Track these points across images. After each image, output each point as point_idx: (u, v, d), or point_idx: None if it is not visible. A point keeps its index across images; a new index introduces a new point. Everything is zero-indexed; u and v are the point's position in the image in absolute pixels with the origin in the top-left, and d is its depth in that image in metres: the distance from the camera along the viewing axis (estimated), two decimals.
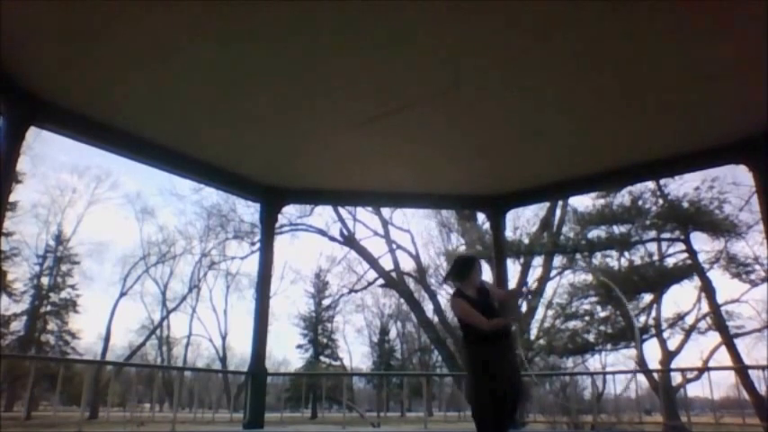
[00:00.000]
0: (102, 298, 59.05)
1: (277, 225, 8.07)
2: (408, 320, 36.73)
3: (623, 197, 16.30)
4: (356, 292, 27.53)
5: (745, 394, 12.59)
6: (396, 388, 30.85)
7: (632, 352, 16.95)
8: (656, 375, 15.61)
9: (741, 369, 12.77)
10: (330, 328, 37.94)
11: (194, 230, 32.18)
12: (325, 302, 36.81)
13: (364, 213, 20.80)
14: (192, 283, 34.30)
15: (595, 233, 16.81)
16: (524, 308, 17.86)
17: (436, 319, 20.29)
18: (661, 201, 16.29)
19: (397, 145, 5.81)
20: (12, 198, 22.50)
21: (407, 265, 21.70)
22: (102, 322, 34.95)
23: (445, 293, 21.20)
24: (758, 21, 3.74)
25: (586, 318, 17.01)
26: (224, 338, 36.28)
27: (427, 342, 31.09)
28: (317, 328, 37.44)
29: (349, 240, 20.46)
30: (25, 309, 28.85)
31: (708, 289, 15.98)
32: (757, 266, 15.66)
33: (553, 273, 18.30)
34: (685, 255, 16.51)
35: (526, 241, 17.28)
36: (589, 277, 17.24)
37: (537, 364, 18.00)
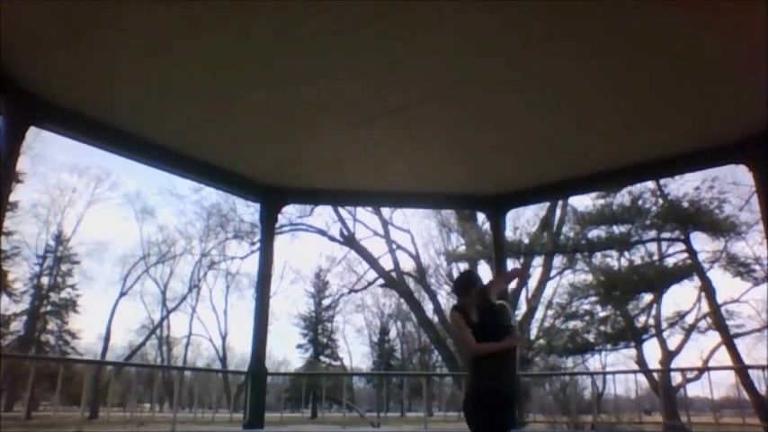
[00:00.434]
0: (102, 298, 58.97)
1: (277, 225, 8.06)
2: (408, 320, 36.74)
3: (623, 197, 16.31)
4: (356, 291, 27.56)
5: (744, 394, 12.59)
6: (396, 388, 30.86)
7: (632, 352, 16.97)
8: (655, 375, 15.62)
9: (741, 369, 12.77)
10: (330, 327, 37.95)
11: (194, 230, 32.18)
12: (326, 302, 36.82)
13: (364, 213, 20.81)
14: (191, 282, 34.31)
15: (595, 233, 16.82)
16: (523, 307, 17.86)
17: (436, 318, 20.30)
18: (661, 201, 16.30)
19: (397, 145, 5.81)
20: (12, 198, 22.51)
21: (407, 265, 21.72)
22: (102, 322, 34.93)
23: (445, 293, 21.21)
24: (758, 20, 3.74)
25: (586, 318, 17.02)
26: (224, 338, 36.29)
27: (427, 342, 31.10)
28: (317, 328, 37.45)
29: (349, 240, 20.47)
30: (25, 309, 28.86)
31: (708, 289, 15.99)
32: (757, 266, 15.68)
33: (553, 273, 18.32)
34: (685, 255, 16.52)
35: (526, 241, 17.28)
36: (589, 277, 17.25)
37: (537, 364, 18.01)
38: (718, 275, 16.50)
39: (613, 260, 17.02)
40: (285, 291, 40.60)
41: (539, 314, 18.17)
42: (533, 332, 18.14)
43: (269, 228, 7.16)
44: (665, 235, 16.73)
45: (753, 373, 12.85)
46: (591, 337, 16.69)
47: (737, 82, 4.54)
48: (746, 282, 15.93)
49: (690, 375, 13.50)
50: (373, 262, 20.48)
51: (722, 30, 3.90)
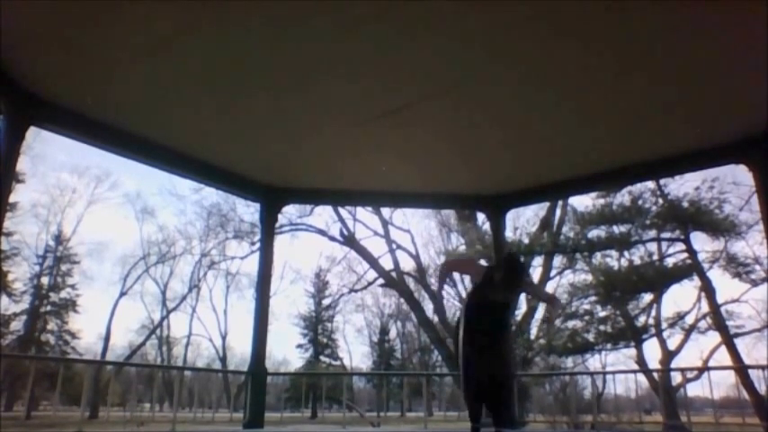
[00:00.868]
0: (102, 298, 58.95)
1: (277, 225, 8.06)
2: (408, 320, 36.76)
3: (623, 197, 16.32)
4: (356, 291, 27.56)
5: (744, 394, 12.59)
6: (396, 388, 30.87)
7: (632, 352, 16.97)
8: (655, 375, 15.62)
9: (741, 369, 12.78)
10: (330, 327, 37.97)
11: (194, 230, 32.20)
12: (326, 302, 36.84)
13: (364, 213, 20.81)
14: (191, 282, 34.33)
15: (595, 233, 16.82)
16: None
17: (436, 318, 20.30)
18: (661, 200, 16.30)
19: (397, 145, 5.81)
20: (12, 198, 22.51)
21: (407, 264, 21.72)
22: (102, 322, 34.91)
23: (445, 293, 21.21)
24: (758, 20, 3.74)
25: (586, 317, 17.01)
26: (224, 338, 36.31)
27: (427, 342, 31.10)
28: (317, 328, 37.47)
29: (349, 240, 20.46)
30: (25, 308, 28.87)
31: (708, 289, 15.99)
32: (757, 266, 15.68)
33: (553, 273, 18.32)
34: (685, 255, 16.52)
35: (526, 241, 17.28)
36: (589, 277, 17.25)
37: (537, 364, 18.01)
38: (717, 275, 16.50)
39: (613, 260, 17.03)
40: (285, 291, 40.64)
41: (539, 314, 18.17)
42: (533, 332, 18.14)
43: (269, 228, 7.16)
44: (665, 235, 16.74)
45: (753, 373, 12.87)
46: (591, 337, 16.69)
47: (737, 82, 4.54)
48: (746, 283, 15.94)
49: (690, 375, 13.51)
50: (373, 262, 20.48)
51: (722, 29, 3.90)
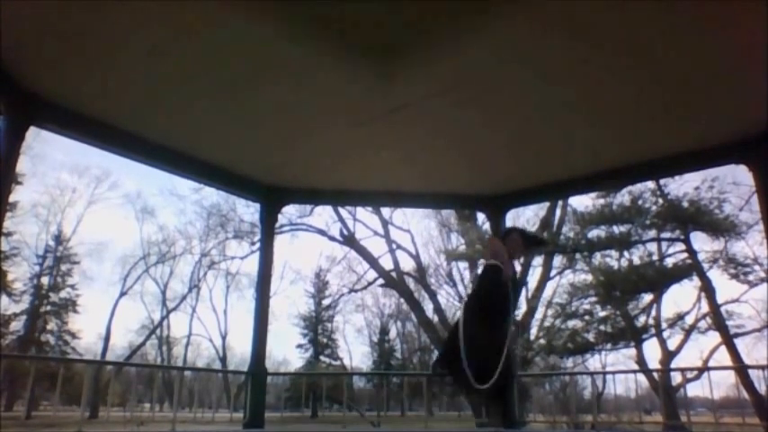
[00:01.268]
0: (102, 298, 59.01)
1: (277, 225, 8.06)
2: (408, 320, 36.79)
3: (623, 197, 16.33)
4: (356, 291, 27.57)
5: (744, 394, 12.59)
6: (396, 387, 30.87)
7: (632, 352, 16.98)
8: (655, 375, 15.63)
9: (741, 369, 12.78)
10: (330, 327, 38.01)
11: (194, 230, 32.23)
12: (326, 302, 36.86)
13: (364, 213, 20.81)
14: (191, 282, 34.38)
15: (595, 233, 16.83)
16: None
17: (436, 318, 20.30)
18: (661, 200, 16.31)
19: (397, 144, 5.81)
20: (12, 198, 22.50)
21: (407, 264, 21.71)
22: (102, 322, 34.95)
23: (445, 293, 21.23)
24: (758, 20, 3.74)
25: (586, 317, 17.03)
26: (224, 338, 36.35)
27: (427, 342, 31.11)
28: (317, 328, 37.50)
29: (349, 240, 20.46)
30: (25, 308, 28.88)
31: (708, 289, 16.00)
32: (756, 267, 15.69)
33: (553, 272, 18.32)
34: (685, 255, 16.53)
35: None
36: (589, 277, 17.26)
37: (537, 364, 18.02)
38: (717, 275, 16.50)
39: (613, 260, 17.04)
40: (285, 291, 40.70)
41: (539, 314, 18.18)
42: (533, 332, 18.15)
43: (269, 228, 7.16)
44: (665, 235, 16.76)
45: (753, 373, 12.88)
46: (591, 337, 16.71)
47: (737, 82, 4.54)
48: (744, 284, 15.95)
49: (690, 375, 13.51)
50: (373, 262, 20.47)
51: (722, 29, 3.90)
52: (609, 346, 16.77)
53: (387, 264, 20.75)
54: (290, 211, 20.32)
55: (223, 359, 35.75)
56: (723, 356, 16.20)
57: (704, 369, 11.41)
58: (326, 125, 5.38)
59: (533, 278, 18.21)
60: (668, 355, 16.85)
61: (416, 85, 4.67)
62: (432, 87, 4.69)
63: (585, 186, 7.74)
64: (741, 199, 15.33)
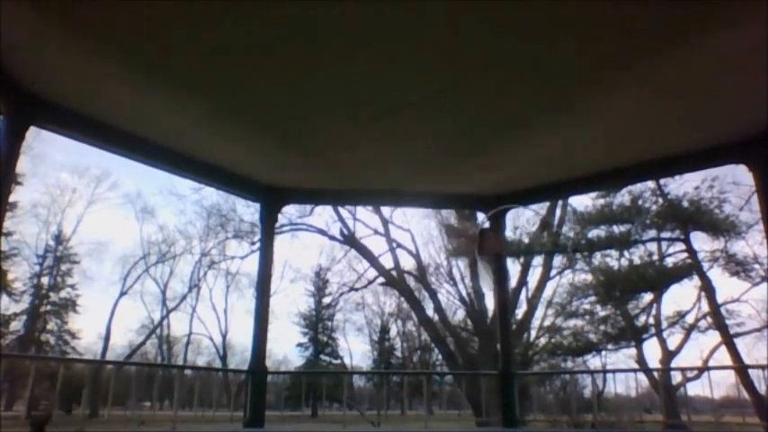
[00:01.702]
0: (102, 298, 58.90)
1: (277, 225, 8.06)
2: (409, 319, 36.79)
3: (623, 197, 16.33)
4: (356, 290, 27.53)
5: (745, 393, 12.60)
6: (396, 386, 30.89)
7: (632, 351, 16.98)
8: (656, 374, 15.64)
9: (741, 368, 12.79)
10: (330, 326, 38.03)
11: (194, 230, 32.23)
12: (326, 301, 36.86)
13: (364, 212, 20.80)
14: (191, 282, 34.38)
15: (595, 233, 16.84)
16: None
17: (436, 317, 20.29)
18: (661, 200, 16.31)
19: (397, 144, 5.81)
20: (12, 198, 22.51)
21: (408, 263, 21.70)
22: (102, 322, 34.92)
23: (445, 292, 21.23)
24: (758, 20, 3.74)
25: (586, 317, 17.04)
26: (224, 337, 36.36)
27: (427, 341, 31.13)
28: (318, 327, 37.52)
29: (349, 239, 20.46)
30: (25, 308, 28.90)
31: (708, 288, 16.01)
32: (756, 266, 15.69)
33: (553, 272, 18.32)
34: (685, 254, 16.53)
35: (526, 241, 17.29)
36: (589, 277, 17.27)
37: (537, 363, 18.03)
38: (718, 275, 16.51)
39: (613, 260, 17.05)
40: (285, 290, 40.58)
41: (539, 313, 18.19)
42: (533, 331, 18.16)
43: (269, 227, 7.16)
44: (665, 234, 16.76)
45: (753, 373, 12.88)
46: (591, 337, 16.72)
47: (737, 82, 4.54)
48: (746, 282, 15.95)
49: (690, 375, 13.52)
50: (373, 260, 20.46)
51: (722, 29, 3.90)
52: (609, 345, 16.77)
53: (387, 262, 20.77)
54: (290, 211, 20.33)
55: (223, 358, 35.79)
56: (723, 356, 16.21)
57: (704, 369, 11.42)
58: (327, 125, 5.38)
59: (533, 278, 18.21)
60: (668, 355, 16.86)
61: (416, 85, 4.67)
62: (431, 87, 4.69)
63: (585, 186, 7.74)
64: (741, 199, 15.34)
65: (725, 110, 5.00)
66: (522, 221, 18.02)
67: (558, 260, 18.11)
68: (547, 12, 3.71)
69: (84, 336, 34.29)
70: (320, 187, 7.17)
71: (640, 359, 16.83)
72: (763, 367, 7.86)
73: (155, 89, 4.78)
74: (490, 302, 17.80)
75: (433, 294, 20.50)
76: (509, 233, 16.48)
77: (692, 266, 16.09)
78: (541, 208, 17.77)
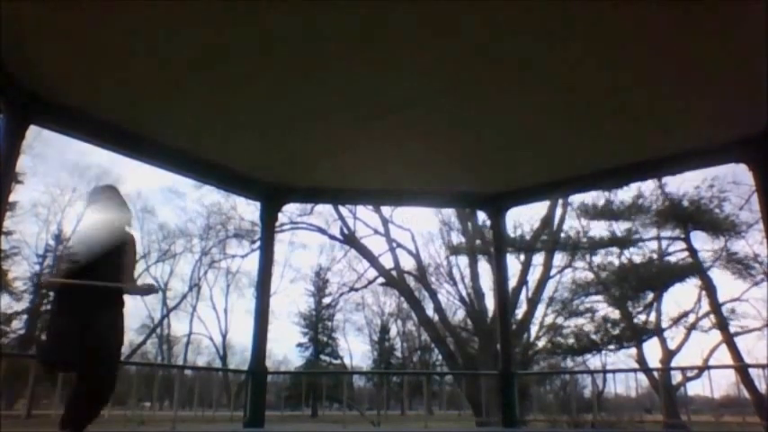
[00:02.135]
0: None
1: (277, 223, 8.06)
2: (409, 319, 36.75)
3: (624, 195, 16.33)
4: (356, 290, 27.49)
5: (745, 393, 12.58)
6: (396, 386, 30.87)
7: (632, 351, 16.98)
8: (656, 374, 15.63)
9: (741, 367, 12.78)
10: (330, 326, 38.00)
11: (195, 229, 32.19)
12: (326, 301, 36.83)
13: (364, 211, 20.77)
14: (192, 281, 34.35)
15: (596, 231, 16.84)
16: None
17: (436, 317, 20.28)
18: (662, 199, 16.30)
19: (397, 144, 5.81)
20: (12, 197, 22.51)
21: (408, 263, 21.68)
22: None
23: (445, 292, 21.22)
24: (758, 20, 3.74)
25: (587, 316, 17.04)
26: (224, 337, 36.35)
27: (427, 341, 31.10)
28: (318, 327, 37.49)
29: (349, 239, 20.45)
30: (25, 307, 28.90)
31: (708, 287, 16.01)
32: (756, 264, 15.68)
33: (553, 271, 18.30)
34: (686, 253, 16.53)
35: (527, 238, 17.28)
36: (590, 275, 17.26)
37: (537, 363, 18.02)
38: (719, 274, 16.50)
39: (614, 258, 17.04)
40: (285, 289, 40.57)
41: (539, 312, 18.17)
42: (533, 330, 18.16)
43: (269, 226, 7.16)
44: (666, 233, 16.76)
45: (753, 372, 12.86)
46: (592, 336, 16.71)
47: (737, 81, 4.54)
48: (746, 282, 15.94)
49: (690, 374, 13.51)
50: (373, 260, 20.45)
51: (722, 29, 3.90)
52: (610, 345, 16.75)
53: (387, 262, 20.75)
54: (290, 210, 20.30)
55: (223, 358, 35.78)
56: (723, 355, 16.21)
57: (704, 368, 11.41)
58: (327, 124, 5.38)
59: (533, 276, 18.21)
60: (668, 354, 16.85)
61: (416, 85, 4.67)
62: (432, 87, 4.69)
63: (586, 185, 7.74)
64: (741, 198, 15.32)
65: (725, 109, 5.00)
66: (523, 219, 18.02)
67: (559, 258, 18.10)
68: (548, 12, 3.71)
69: None
70: (320, 186, 7.17)
71: (640, 359, 16.82)
72: (763, 366, 7.87)
73: (155, 88, 4.78)
74: (490, 302, 17.81)
75: (433, 294, 20.48)
76: (510, 230, 16.48)
77: (692, 265, 16.09)
78: (542, 206, 17.75)
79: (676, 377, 15.29)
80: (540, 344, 17.66)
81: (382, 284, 22.95)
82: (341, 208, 19.50)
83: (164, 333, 35.61)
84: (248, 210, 23.81)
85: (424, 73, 4.50)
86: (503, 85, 4.69)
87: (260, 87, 4.74)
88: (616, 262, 16.95)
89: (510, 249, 15.41)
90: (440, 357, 30.45)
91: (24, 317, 28.81)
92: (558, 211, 17.69)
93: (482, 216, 16.51)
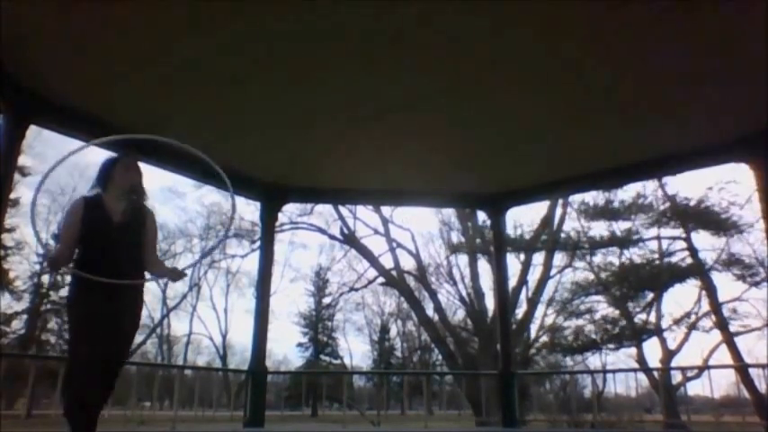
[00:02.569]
0: None
1: (277, 224, 8.06)
2: (409, 319, 36.73)
3: (625, 195, 16.32)
4: (356, 290, 27.48)
5: (745, 393, 12.57)
6: (396, 386, 30.87)
7: (632, 350, 16.97)
8: (656, 374, 15.61)
9: (741, 367, 12.76)
10: (330, 326, 37.98)
11: (194, 228, 32.17)
12: (326, 301, 36.82)
13: (364, 211, 20.76)
14: (192, 281, 34.32)
15: (597, 231, 16.83)
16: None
17: (436, 317, 20.27)
18: (663, 198, 16.30)
19: (397, 144, 5.80)
20: (12, 196, 22.52)
21: (408, 263, 21.68)
22: None
23: (445, 292, 21.22)
24: (758, 20, 3.74)
25: (587, 316, 17.03)
26: (224, 337, 36.34)
27: (427, 341, 31.09)
28: (318, 327, 37.48)
29: (349, 239, 20.44)
30: (25, 307, 28.90)
31: (708, 287, 16.00)
32: (755, 261, 15.66)
33: (553, 271, 18.29)
34: (686, 253, 16.52)
35: (527, 238, 17.27)
36: (590, 275, 17.25)
37: (537, 363, 18.02)
38: (718, 274, 16.49)
39: (614, 258, 17.03)
40: (285, 289, 40.60)
41: (539, 312, 18.16)
42: (534, 330, 18.15)
43: (269, 226, 7.16)
44: (667, 233, 16.74)
45: (753, 372, 12.85)
46: (592, 336, 16.70)
47: (738, 81, 4.53)
48: (746, 283, 15.92)
49: (690, 374, 13.50)
50: (373, 260, 20.44)
51: (722, 29, 3.90)
52: (610, 345, 16.74)
53: (387, 262, 20.74)
54: (290, 210, 20.29)
55: (223, 358, 35.77)
56: (724, 355, 16.19)
57: (704, 368, 11.41)
58: (327, 124, 5.38)
59: (533, 276, 18.20)
60: (669, 354, 16.84)
61: (416, 85, 4.67)
62: (431, 87, 4.69)
63: (586, 185, 7.74)
64: (742, 197, 15.31)
65: (726, 109, 5.00)
66: (523, 218, 18.03)
67: (559, 258, 18.09)
68: (548, 12, 3.71)
69: None
70: (320, 186, 7.17)
71: (640, 359, 16.81)
72: (763, 366, 7.86)
73: (155, 88, 4.78)
74: (490, 302, 17.80)
75: (433, 294, 20.48)
76: (510, 230, 16.47)
77: (693, 265, 16.08)
78: (543, 205, 17.75)
79: (676, 377, 15.28)
80: (541, 343, 17.65)
81: (382, 284, 22.95)
82: (341, 208, 19.49)
83: (164, 333, 35.61)
84: (248, 210, 23.82)
85: (424, 73, 4.50)
86: (503, 86, 4.69)
87: (260, 87, 4.74)
88: (616, 262, 16.95)
89: (510, 249, 15.39)
90: (440, 357, 30.44)
91: (24, 317, 28.81)
92: (558, 211, 17.68)
93: (482, 216, 16.50)
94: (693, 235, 16.37)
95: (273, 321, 32.29)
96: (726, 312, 16.02)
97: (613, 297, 16.34)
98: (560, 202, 17.33)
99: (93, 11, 3.74)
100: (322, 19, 3.82)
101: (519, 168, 6.48)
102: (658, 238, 16.96)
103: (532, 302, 17.82)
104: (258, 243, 10.26)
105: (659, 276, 16.05)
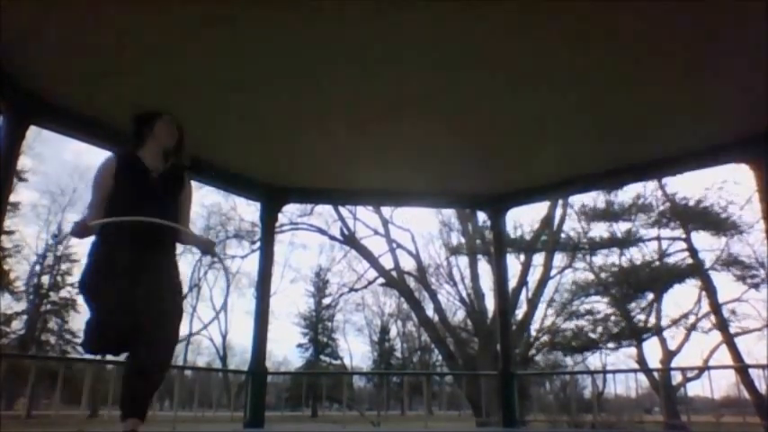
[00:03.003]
0: None
1: (277, 224, 8.06)
2: (409, 320, 36.72)
3: (625, 195, 16.33)
4: (356, 291, 27.47)
5: (745, 393, 12.57)
6: (396, 387, 30.87)
7: (632, 351, 16.98)
8: (656, 374, 15.63)
9: (741, 368, 12.77)
10: (330, 327, 37.96)
11: (194, 229, 32.18)
12: (326, 301, 36.80)
13: (364, 212, 20.76)
14: (192, 281, 34.31)
15: (597, 232, 16.84)
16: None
17: (436, 318, 20.27)
18: (663, 199, 16.31)
19: (397, 144, 5.80)
20: (12, 197, 22.52)
21: (408, 264, 21.68)
22: None
23: (445, 293, 21.22)
24: (758, 20, 3.74)
25: (587, 316, 17.03)
26: (224, 337, 36.33)
27: (427, 341, 31.08)
28: (318, 327, 37.46)
29: (349, 239, 20.44)
30: (25, 308, 28.91)
31: (708, 288, 16.00)
32: (755, 261, 15.68)
33: (554, 271, 18.29)
34: (686, 253, 16.53)
35: (527, 239, 17.27)
36: (590, 275, 17.27)
37: (538, 363, 18.03)
38: (718, 275, 16.50)
39: (614, 258, 17.04)
40: (285, 290, 40.54)
41: (539, 313, 18.15)
42: (534, 330, 18.15)
43: (269, 227, 7.16)
44: (667, 233, 16.75)
45: (753, 372, 12.85)
46: (592, 336, 16.71)
47: (737, 81, 4.53)
48: (746, 284, 15.93)
49: (690, 374, 13.51)
50: (373, 261, 20.44)
51: (722, 29, 3.90)
52: (610, 345, 16.75)
53: (387, 263, 20.73)
54: (290, 210, 20.28)
55: (223, 358, 35.76)
56: (724, 355, 16.20)
57: (705, 368, 11.41)
58: (327, 124, 5.38)
59: (533, 277, 18.20)
60: (669, 355, 16.85)
61: (416, 85, 4.67)
62: (432, 88, 4.69)
63: (587, 185, 7.73)
64: (742, 198, 15.31)
65: (726, 109, 5.00)
66: (523, 219, 18.04)
67: (559, 259, 18.09)
68: (548, 13, 3.71)
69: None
70: (320, 186, 7.17)
71: (640, 359, 16.82)
72: (763, 367, 7.85)
73: (155, 89, 4.77)
74: (490, 303, 17.80)
75: (433, 295, 20.47)
76: (510, 230, 16.47)
77: (693, 266, 16.09)
78: (543, 206, 17.75)
79: (676, 377, 15.30)
80: (542, 343, 17.65)
81: (382, 285, 22.93)
82: (341, 208, 19.49)
83: None
84: (248, 210, 23.82)
85: (424, 73, 4.50)
86: (503, 86, 4.69)
87: (261, 88, 4.74)
88: (616, 262, 16.95)
89: (510, 250, 15.40)
90: (440, 358, 30.43)
91: (24, 317, 28.80)
92: (558, 212, 17.68)
93: (482, 216, 16.51)
94: (693, 235, 16.38)
95: (273, 322, 32.26)
96: (725, 313, 16.02)
97: (613, 298, 16.35)
98: (560, 202, 17.33)
99: (94, 11, 3.74)
100: (322, 19, 3.82)
101: (519, 169, 6.48)
102: (658, 238, 16.98)
103: (532, 303, 17.81)
104: (258, 243, 10.25)
105: (659, 277, 16.06)
